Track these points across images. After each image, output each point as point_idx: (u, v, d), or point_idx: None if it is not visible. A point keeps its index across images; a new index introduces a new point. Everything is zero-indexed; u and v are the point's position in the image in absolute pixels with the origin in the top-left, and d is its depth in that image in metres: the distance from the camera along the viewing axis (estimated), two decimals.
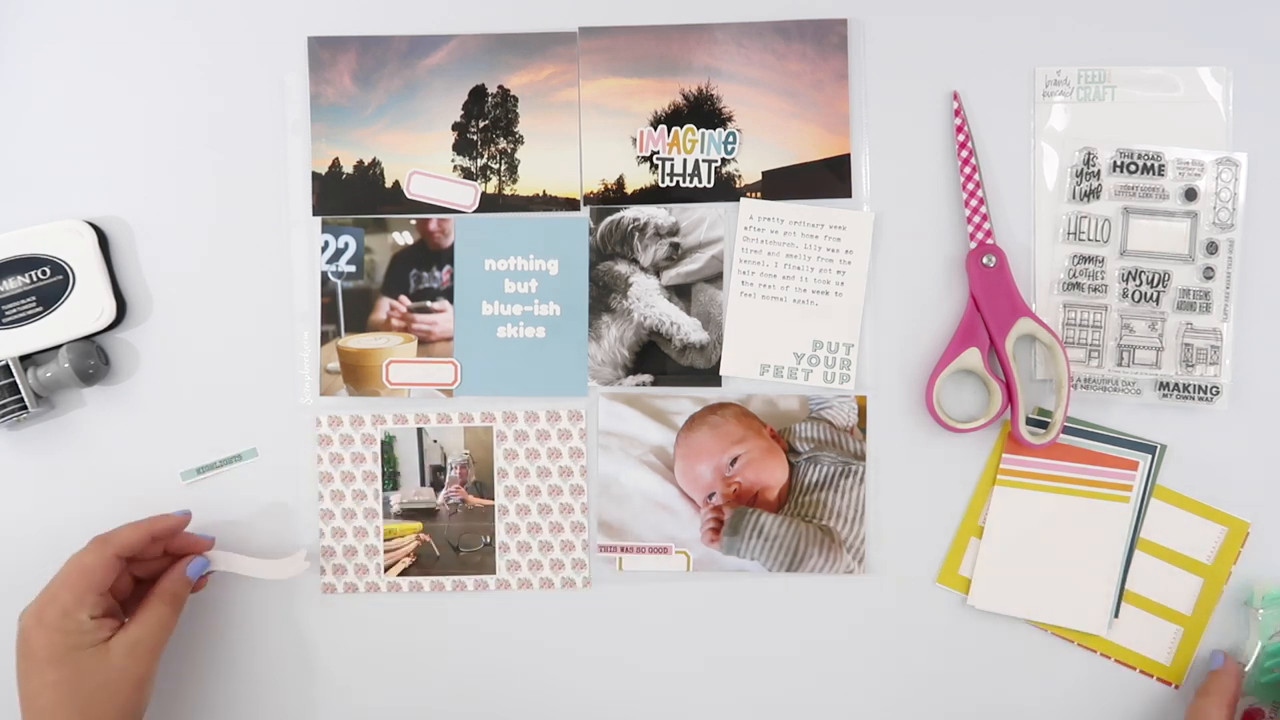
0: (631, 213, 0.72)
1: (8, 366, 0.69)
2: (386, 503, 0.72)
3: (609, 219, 0.72)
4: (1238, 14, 0.70)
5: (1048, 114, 0.71)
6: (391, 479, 0.72)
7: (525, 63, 0.72)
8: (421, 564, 0.72)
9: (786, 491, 0.71)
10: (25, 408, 0.70)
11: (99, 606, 0.64)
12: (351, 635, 0.73)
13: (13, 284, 0.70)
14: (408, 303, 0.72)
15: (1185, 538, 0.70)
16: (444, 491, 0.72)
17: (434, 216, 0.72)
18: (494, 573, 0.72)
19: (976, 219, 0.70)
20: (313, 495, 0.72)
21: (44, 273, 0.70)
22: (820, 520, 0.71)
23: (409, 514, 0.72)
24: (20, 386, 0.69)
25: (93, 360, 0.70)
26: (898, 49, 0.71)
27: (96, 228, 0.71)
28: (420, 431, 0.72)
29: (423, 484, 0.73)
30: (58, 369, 0.69)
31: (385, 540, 0.72)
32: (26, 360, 0.70)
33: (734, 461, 0.71)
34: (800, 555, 0.71)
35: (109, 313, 0.70)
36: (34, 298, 0.70)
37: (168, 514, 0.69)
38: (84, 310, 0.70)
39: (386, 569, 0.72)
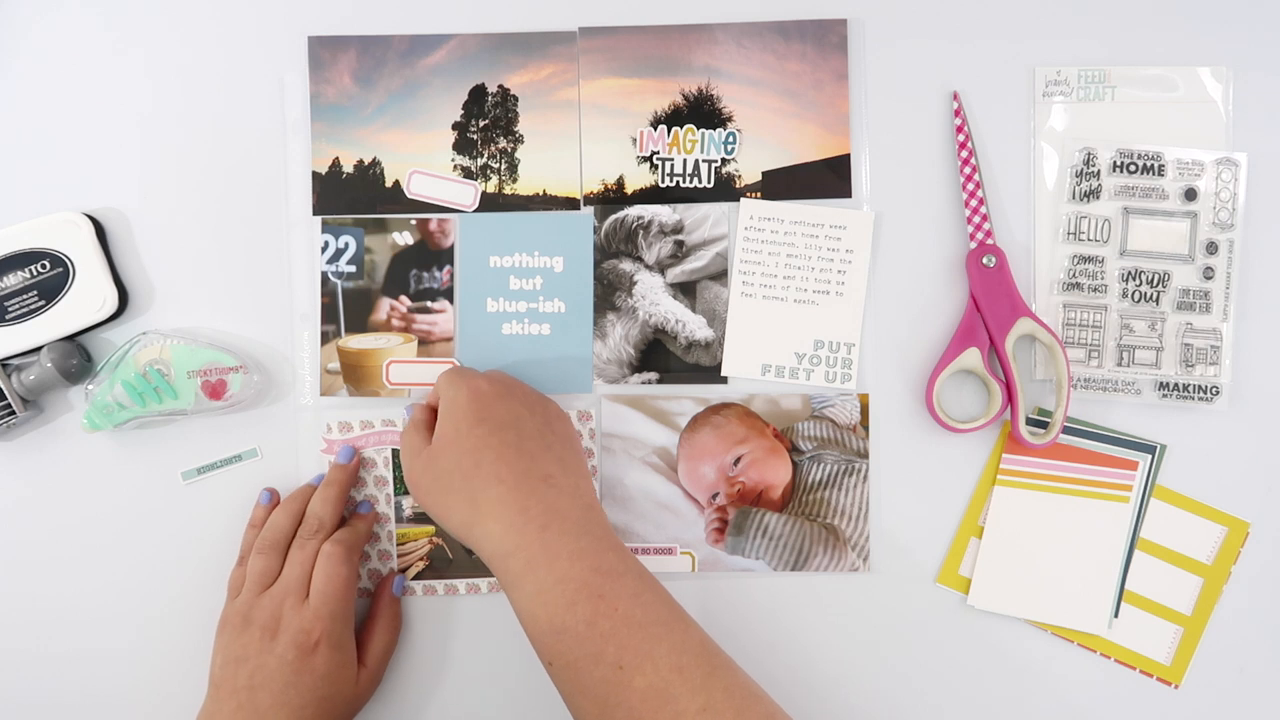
0: (636, 210, 0.72)
1: None
2: (399, 507, 0.72)
3: (613, 217, 0.72)
4: (1238, 14, 0.70)
5: (1048, 114, 0.71)
6: (402, 483, 0.72)
7: (525, 62, 0.72)
8: (434, 567, 0.72)
9: (790, 490, 0.71)
10: (14, 413, 0.69)
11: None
12: None
13: (14, 279, 0.70)
14: (408, 303, 0.72)
15: (1185, 538, 0.70)
16: None
17: (434, 216, 0.72)
18: None
19: (976, 219, 0.70)
20: None
21: (44, 266, 0.69)
22: (825, 518, 0.71)
23: (421, 518, 0.72)
24: (6, 392, 0.69)
25: (75, 359, 0.70)
26: (898, 49, 0.72)
27: (94, 219, 0.71)
28: None
29: None
30: (40, 370, 0.69)
31: (398, 545, 0.72)
32: (7, 366, 0.70)
33: (737, 461, 0.71)
34: (805, 554, 0.71)
35: (111, 302, 0.70)
36: (35, 292, 0.69)
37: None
38: (86, 301, 0.70)
39: (400, 572, 0.72)
